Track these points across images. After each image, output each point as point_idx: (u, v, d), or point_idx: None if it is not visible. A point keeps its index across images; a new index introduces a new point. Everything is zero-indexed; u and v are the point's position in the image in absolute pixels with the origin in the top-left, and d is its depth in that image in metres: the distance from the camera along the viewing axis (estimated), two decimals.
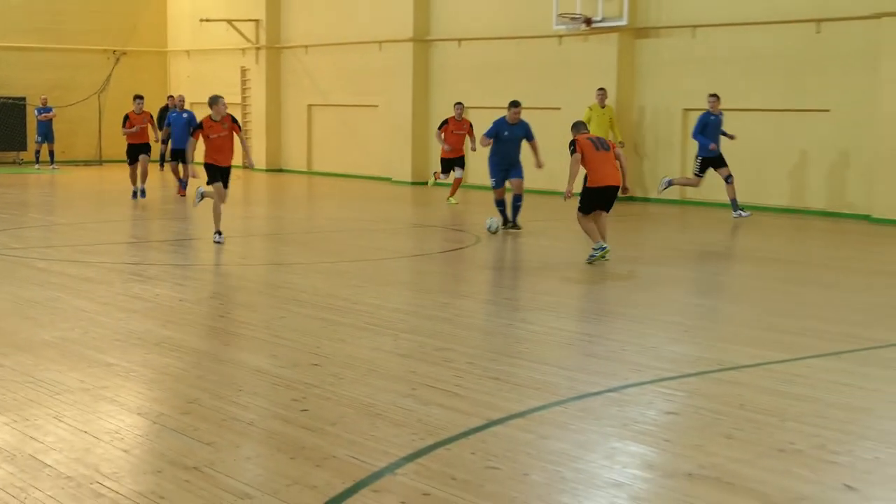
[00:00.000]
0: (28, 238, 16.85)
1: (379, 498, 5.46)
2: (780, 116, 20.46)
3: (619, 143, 20.17)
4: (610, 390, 7.70)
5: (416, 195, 25.64)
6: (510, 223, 16.60)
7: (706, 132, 18.83)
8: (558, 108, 22.37)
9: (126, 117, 21.76)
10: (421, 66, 26.91)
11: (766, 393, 7.72)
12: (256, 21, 31.03)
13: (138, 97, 21.57)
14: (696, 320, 10.83)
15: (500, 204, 16.81)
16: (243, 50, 31.77)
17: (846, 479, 5.82)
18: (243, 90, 31.86)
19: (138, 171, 21.77)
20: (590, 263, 13.40)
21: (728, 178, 18.98)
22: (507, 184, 16.59)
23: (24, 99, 31.49)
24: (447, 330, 9.85)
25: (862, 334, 9.84)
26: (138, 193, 21.86)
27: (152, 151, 22.81)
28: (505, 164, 16.64)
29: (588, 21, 22.64)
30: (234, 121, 15.40)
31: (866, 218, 19.20)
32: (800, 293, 12.64)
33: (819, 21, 19.49)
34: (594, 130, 19.21)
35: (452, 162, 21.63)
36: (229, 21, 31.19)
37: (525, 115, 16.75)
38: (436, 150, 23.72)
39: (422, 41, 26.88)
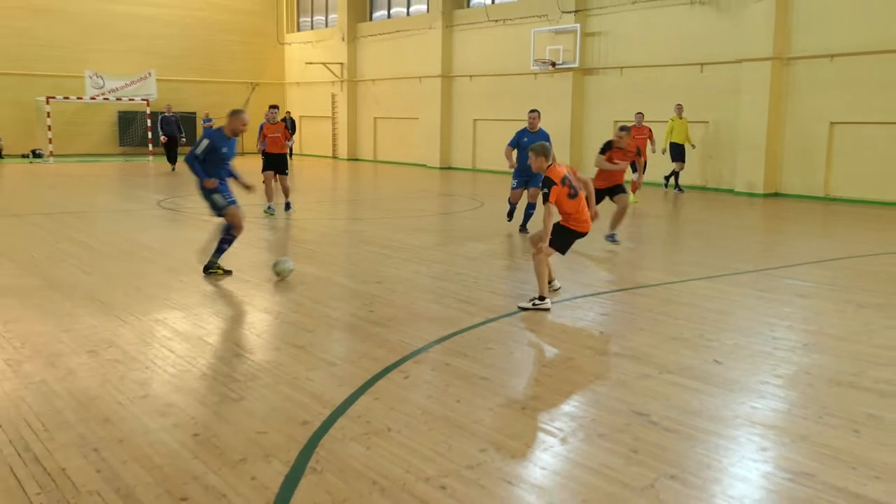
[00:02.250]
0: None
1: (417, 366, 5.70)
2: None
3: (692, 145, 19.03)
4: (566, 300, 7.88)
5: (442, 176, 25.69)
6: (521, 227, 12.48)
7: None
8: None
9: (260, 128, 14.69)
10: (446, 93, 27.26)
11: (665, 302, 7.79)
12: (341, 63, 31.48)
13: (273, 107, 14.91)
14: (622, 256, 10.82)
15: (512, 206, 12.82)
16: (332, 82, 32.09)
17: (716, 357, 5.97)
18: (333, 109, 32.37)
19: (272, 185, 14.45)
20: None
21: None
22: (525, 192, 12.46)
23: (194, 113, 31.94)
24: (460, 261, 9.99)
25: (717, 265, 10.01)
26: (272, 208, 14.39)
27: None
28: (526, 173, 11.94)
29: (553, 63, 22.75)
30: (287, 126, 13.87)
31: (730, 191, 19.19)
32: (690, 241, 12.80)
33: (703, 64, 19.49)
34: (676, 137, 18.77)
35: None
36: (324, 63, 31.80)
37: (510, 126, 16.25)
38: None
39: (447, 77, 27.13)
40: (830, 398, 5.13)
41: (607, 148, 11.33)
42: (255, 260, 9.89)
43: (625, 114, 20.68)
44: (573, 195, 7.46)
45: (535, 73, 23.67)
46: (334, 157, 32.59)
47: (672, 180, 19.59)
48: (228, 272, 8.89)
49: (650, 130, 18.21)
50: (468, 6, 26.86)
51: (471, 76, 26.32)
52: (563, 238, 7.65)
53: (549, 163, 7.47)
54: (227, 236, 8.89)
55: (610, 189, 11.34)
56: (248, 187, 9.01)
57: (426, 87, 27.78)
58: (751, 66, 18.46)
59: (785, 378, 5.54)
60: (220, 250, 8.90)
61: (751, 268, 9.70)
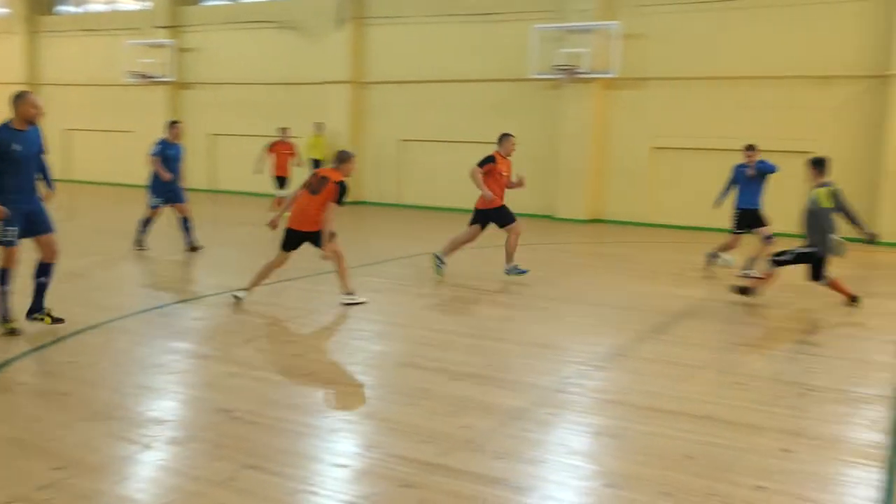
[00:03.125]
0: None
1: None
2: None
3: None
4: (160, 307, 7.51)
5: None
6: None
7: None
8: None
9: None
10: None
11: (255, 303, 7.68)
12: None
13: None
14: (223, 263, 10.59)
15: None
16: None
17: (297, 351, 6.10)
18: None
19: None
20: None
21: None
22: None
23: None
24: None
25: (314, 267, 10.29)
26: None
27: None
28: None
29: (147, 76, 21.51)
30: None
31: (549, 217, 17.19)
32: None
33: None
34: (315, 153, 17.28)
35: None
36: None
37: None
38: None
39: (34, 84, 24.15)
40: (395, 378, 5.51)
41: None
42: None
43: (220, 126, 20.40)
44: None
45: (128, 85, 22.24)
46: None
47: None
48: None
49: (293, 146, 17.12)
50: (53, 13, 24.43)
51: (63, 85, 23.90)
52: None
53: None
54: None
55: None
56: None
57: (6, 95, 24.57)
58: (334, 88, 19.30)
59: (359, 364, 5.84)
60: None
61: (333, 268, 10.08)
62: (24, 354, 5.75)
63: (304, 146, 18.48)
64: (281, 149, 16.30)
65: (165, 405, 4.87)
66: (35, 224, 6.30)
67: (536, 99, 17.15)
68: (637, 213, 16.15)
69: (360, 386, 5.33)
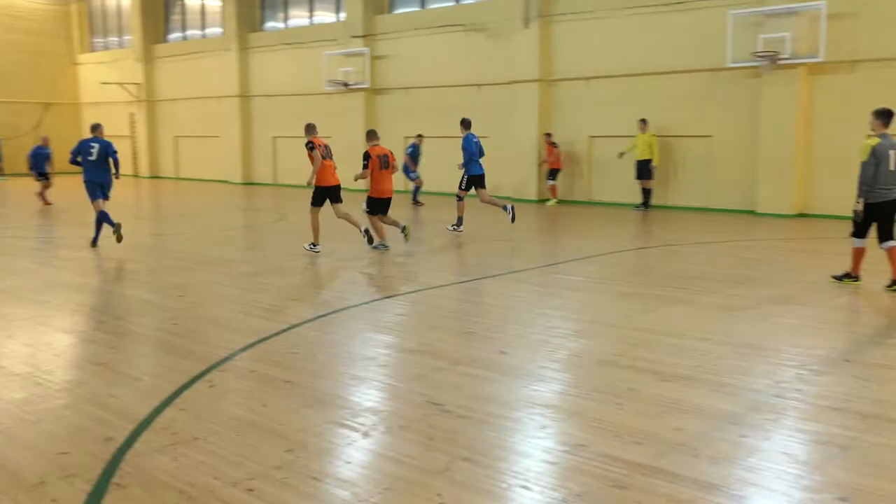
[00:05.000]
0: None
1: (223, 375, 5.45)
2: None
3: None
4: (364, 303, 7.85)
5: (244, 191, 24.82)
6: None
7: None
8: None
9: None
10: (245, 112, 26.61)
11: (454, 300, 8.04)
12: (138, 84, 29.43)
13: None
14: (417, 260, 10.94)
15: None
16: (129, 102, 29.93)
17: (501, 348, 6.17)
18: (132, 128, 30.25)
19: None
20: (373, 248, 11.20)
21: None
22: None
23: None
24: (263, 271, 9.70)
25: (508, 265, 10.43)
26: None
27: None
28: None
29: (345, 84, 22.61)
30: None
31: (750, 212, 19.74)
32: (478, 245, 13.20)
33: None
34: (639, 154, 17.11)
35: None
36: (120, 83, 29.31)
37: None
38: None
39: (245, 97, 26.23)
40: (598, 377, 5.45)
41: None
42: (55, 280, 9.14)
43: (412, 130, 21.01)
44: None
45: (330, 93, 23.56)
46: (135, 174, 30.81)
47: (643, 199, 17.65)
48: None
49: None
50: (262, 29, 26.34)
51: (269, 96, 25.82)
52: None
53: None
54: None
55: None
56: None
57: (225, 106, 26.91)
58: (522, 87, 19.39)
59: (560, 362, 5.83)
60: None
61: (528, 266, 10.15)
62: (251, 345, 6.22)
63: (628, 146, 17.59)
64: (552, 149, 18.52)
65: (379, 396, 5.09)
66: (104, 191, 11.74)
67: (734, 88, 16.37)
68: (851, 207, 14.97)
69: (565, 384, 5.31)
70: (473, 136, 13.20)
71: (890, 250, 8.19)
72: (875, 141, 8.06)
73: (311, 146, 10.94)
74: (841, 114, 15.08)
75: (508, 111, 19.82)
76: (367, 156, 11.08)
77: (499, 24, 19.86)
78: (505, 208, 13.11)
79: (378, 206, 11.28)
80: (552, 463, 4.03)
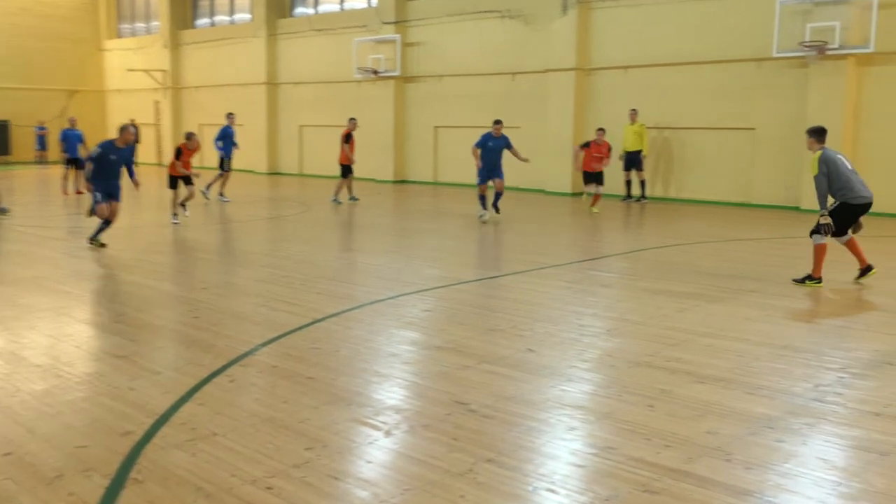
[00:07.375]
0: None
1: (244, 370, 5.51)
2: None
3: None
4: (389, 298, 7.87)
5: (270, 181, 24.91)
6: (489, 211, 14.26)
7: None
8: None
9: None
10: (272, 100, 26.77)
11: (481, 296, 8.04)
12: (164, 71, 29.81)
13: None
14: (444, 255, 11.01)
15: (482, 198, 14.36)
16: (155, 89, 30.36)
17: (529, 346, 6.16)
18: (157, 116, 30.61)
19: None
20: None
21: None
22: (490, 183, 14.22)
23: (7, 121, 30.17)
24: (287, 264, 9.79)
25: (535, 260, 10.39)
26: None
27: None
28: (489, 169, 14.02)
29: (375, 72, 22.66)
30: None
31: (796, 209, 19.49)
32: (507, 238, 13.18)
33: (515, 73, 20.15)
34: (630, 145, 17.40)
35: (591, 177, 15.83)
36: (146, 70, 29.70)
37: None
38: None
39: (272, 84, 26.25)
40: (630, 377, 5.42)
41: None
42: (78, 270, 9.29)
43: (443, 118, 21.05)
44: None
45: (359, 81, 23.63)
46: (159, 163, 31.16)
47: (629, 190, 18.05)
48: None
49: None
50: (291, 15, 26.48)
51: (296, 83, 25.94)
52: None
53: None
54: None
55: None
56: None
57: (251, 93, 27.10)
58: (557, 76, 19.28)
59: (591, 362, 5.80)
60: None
61: (558, 262, 10.11)
62: (273, 340, 6.27)
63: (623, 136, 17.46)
64: (594, 151, 15.59)
65: (402, 394, 5.11)
66: (112, 195, 10.94)
67: (780, 80, 16.14)
68: None
69: (595, 384, 5.28)
70: None
71: (848, 242, 8.74)
72: (819, 153, 8.42)
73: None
74: (891, 107, 14.80)
75: (542, 100, 19.73)
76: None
77: (535, 11, 19.77)
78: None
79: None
80: (580, 466, 4.01)
